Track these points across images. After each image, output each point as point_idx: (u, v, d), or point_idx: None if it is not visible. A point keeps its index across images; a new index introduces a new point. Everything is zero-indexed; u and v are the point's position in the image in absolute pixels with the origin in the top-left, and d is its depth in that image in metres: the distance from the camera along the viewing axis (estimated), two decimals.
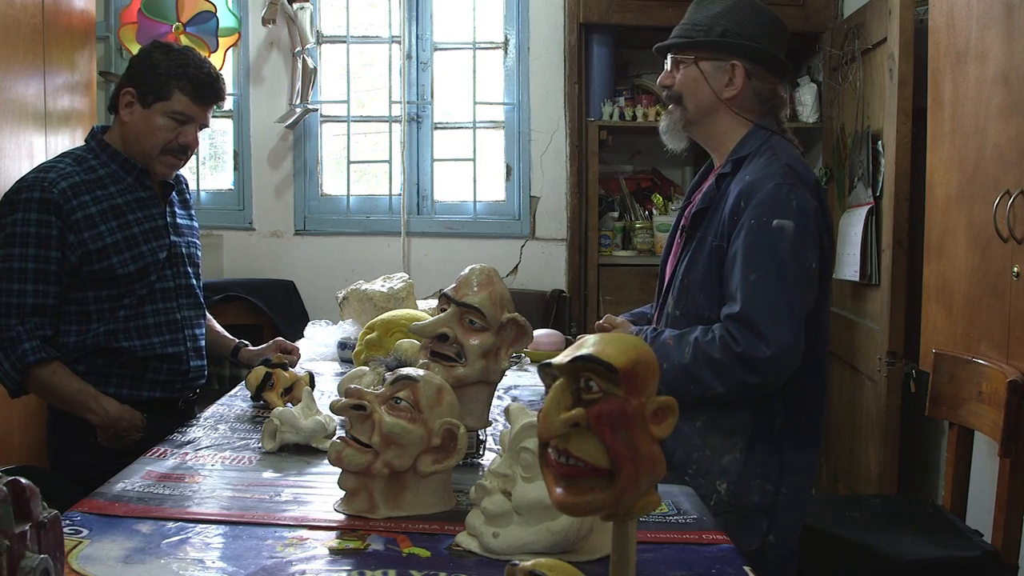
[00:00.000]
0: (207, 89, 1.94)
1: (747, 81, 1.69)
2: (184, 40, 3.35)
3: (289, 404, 1.68)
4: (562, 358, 0.79)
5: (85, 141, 2.01)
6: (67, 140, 2.89)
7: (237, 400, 1.93)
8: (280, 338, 2.24)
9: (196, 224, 2.16)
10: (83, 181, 1.88)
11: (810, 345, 1.60)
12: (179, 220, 2.05)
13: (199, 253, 2.11)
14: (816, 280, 1.62)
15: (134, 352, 1.90)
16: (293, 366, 2.04)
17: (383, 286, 2.45)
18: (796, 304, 1.56)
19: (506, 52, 3.71)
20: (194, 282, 2.05)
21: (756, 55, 1.69)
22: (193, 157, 3.57)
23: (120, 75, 2.06)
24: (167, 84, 1.90)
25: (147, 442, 1.61)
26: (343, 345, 2.35)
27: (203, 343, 2.08)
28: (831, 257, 1.70)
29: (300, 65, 3.56)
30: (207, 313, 2.23)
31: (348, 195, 3.73)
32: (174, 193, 2.08)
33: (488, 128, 3.76)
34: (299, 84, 3.57)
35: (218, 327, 2.27)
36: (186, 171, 2.19)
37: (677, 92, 1.75)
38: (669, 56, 1.76)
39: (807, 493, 1.73)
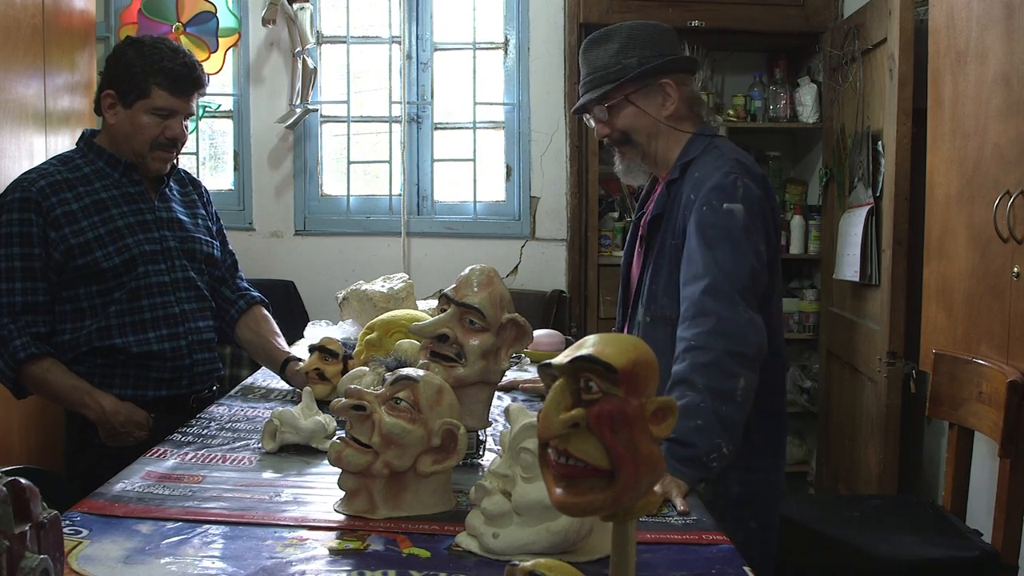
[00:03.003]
0: (184, 80, 1.93)
1: (679, 90, 1.74)
2: (184, 40, 3.35)
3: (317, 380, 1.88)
4: (562, 358, 0.79)
5: (76, 145, 2.02)
6: (67, 140, 2.89)
7: (237, 400, 1.93)
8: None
9: (208, 224, 2.14)
10: (65, 179, 1.90)
11: (767, 332, 1.57)
12: (178, 216, 2.03)
13: (206, 250, 2.07)
14: (765, 266, 1.62)
15: (128, 348, 1.89)
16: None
17: (383, 286, 2.45)
18: (753, 281, 1.57)
19: (506, 52, 3.71)
20: (194, 275, 2.02)
21: (677, 64, 1.75)
22: (193, 157, 3.63)
23: None
24: (144, 81, 1.90)
25: (156, 442, 1.59)
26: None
27: (210, 336, 2.05)
28: (777, 247, 1.71)
29: (300, 65, 3.56)
30: (268, 316, 2.18)
31: (348, 195, 3.73)
32: (174, 191, 2.08)
33: (488, 128, 3.75)
34: (299, 84, 3.57)
35: (268, 332, 2.15)
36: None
37: (623, 133, 1.76)
38: (595, 109, 1.77)
39: (781, 472, 1.76)
